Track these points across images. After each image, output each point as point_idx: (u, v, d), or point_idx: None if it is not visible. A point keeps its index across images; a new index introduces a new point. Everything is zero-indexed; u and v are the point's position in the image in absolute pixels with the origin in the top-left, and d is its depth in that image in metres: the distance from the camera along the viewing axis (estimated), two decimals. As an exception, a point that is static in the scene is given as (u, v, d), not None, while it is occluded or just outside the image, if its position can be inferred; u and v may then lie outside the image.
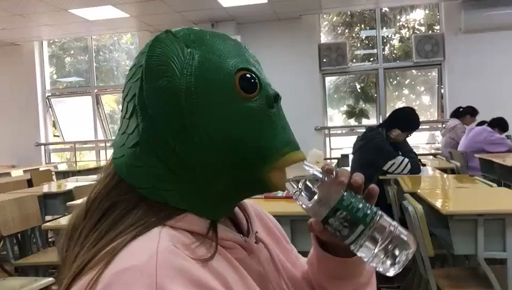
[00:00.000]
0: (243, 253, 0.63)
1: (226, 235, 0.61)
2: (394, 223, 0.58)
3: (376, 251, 0.56)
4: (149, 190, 0.59)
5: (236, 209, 0.72)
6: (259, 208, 0.81)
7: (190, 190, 0.59)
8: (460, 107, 5.84)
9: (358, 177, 0.59)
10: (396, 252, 0.56)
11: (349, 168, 4.12)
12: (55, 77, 9.09)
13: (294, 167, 0.61)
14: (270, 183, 0.61)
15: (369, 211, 0.57)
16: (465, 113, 5.73)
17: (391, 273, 0.56)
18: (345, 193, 0.58)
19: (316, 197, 0.59)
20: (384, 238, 0.56)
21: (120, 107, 0.65)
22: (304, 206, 0.60)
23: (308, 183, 0.59)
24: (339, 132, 8.00)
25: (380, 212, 0.58)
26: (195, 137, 0.57)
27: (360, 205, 0.57)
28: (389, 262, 0.56)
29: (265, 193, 0.67)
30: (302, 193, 0.60)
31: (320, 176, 0.60)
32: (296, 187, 0.60)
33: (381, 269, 0.57)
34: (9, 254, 3.14)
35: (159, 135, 0.58)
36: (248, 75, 0.61)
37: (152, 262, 0.49)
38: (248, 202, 0.77)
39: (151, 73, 0.58)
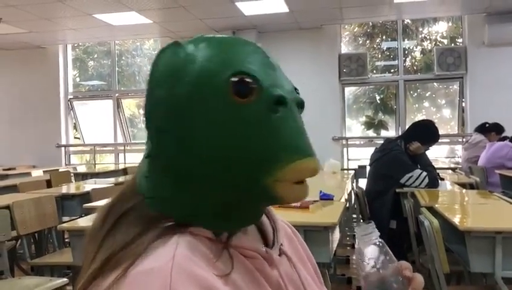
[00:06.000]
0: (264, 263, 0.62)
1: (247, 244, 0.61)
2: None
3: None
4: (153, 199, 0.60)
5: (265, 219, 0.71)
6: (292, 230, 0.79)
7: (194, 201, 0.59)
8: (486, 123, 5.70)
9: None
10: None
11: (365, 180, 4.09)
12: (78, 80, 9.25)
13: (366, 239, 0.63)
14: (277, 195, 0.57)
15: None
16: (491, 130, 5.57)
17: None
18: None
19: None
20: None
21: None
22: None
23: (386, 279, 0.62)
24: (357, 142, 7.94)
25: None
26: (194, 147, 0.56)
27: None
28: None
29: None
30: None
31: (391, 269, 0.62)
32: (367, 270, 0.63)
33: None
34: (26, 253, 3.18)
35: (162, 145, 0.59)
36: (245, 79, 0.56)
37: (168, 267, 0.50)
38: (279, 221, 0.76)
39: (153, 84, 0.59)
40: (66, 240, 4.07)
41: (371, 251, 0.64)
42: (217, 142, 0.55)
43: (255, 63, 0.59)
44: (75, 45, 8.89)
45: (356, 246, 0.66)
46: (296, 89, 0.63)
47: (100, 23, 6.78)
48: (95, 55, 9.42)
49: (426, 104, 8.65)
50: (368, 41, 8.51)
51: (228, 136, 0.55)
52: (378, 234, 0.66)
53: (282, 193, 0.57)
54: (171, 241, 0.55)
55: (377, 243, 0.65)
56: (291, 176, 0.56)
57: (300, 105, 0.61)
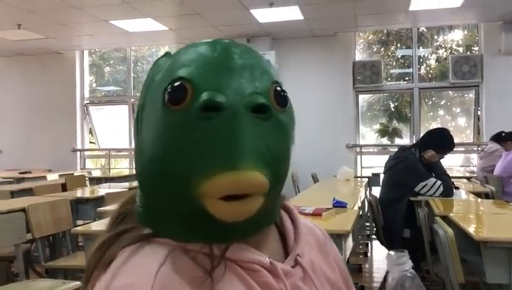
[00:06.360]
0: (268, 276, 0.57)
1: (246, 257, 0.57)
2: None
3: None
4: (136, 206, 0.62)
5: (289, 227, 0.67)
6: (324, 235, 0.76)
7: (150, 209, 0.59)
8: (502, 132, 5.62)
9: None
10: None
11: (379, 188, 4.06)
12: (94, 85, 9.36)
13: (398, 269, 0.63)
14: (209, 211, 0.52)
15: None
16: (507, 139, 5.49)
17: None
18: None
19: None
20: None
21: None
22: None
23: None
24: (371, 150, 7.89)
25: None
26: (139, 154, 0.58)
27: None
28: None
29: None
30: None
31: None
32: None
33: None
34: (41, 256, 3.22)
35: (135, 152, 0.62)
36: (182, 85, 0.52)
37: (148, 285, 0.50)
38: (310, 226, 0.73)
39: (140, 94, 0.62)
40: (80, 243, 4.11)
41: (402, 282, 0.62)
42: (151, 151, 0.55)
43: (201, 68, 0.54)
44: (92, 50, 9.01)
45: (388, 276, 0.64)
46: (282, 91, 0.57)
47: (116, 30, 6.86)
48: (111, 61, 9.54)
49: (441, 112, 8.58)
50: (382, 49, 8.48)
51: (160, 145, 0.54)
52: (411, 264, 0.64)
53: (211, 209, 0.52)
54: (159, 255, 0.54)
55: (409, 274, 0.63)
56: (214, 192, 0.50)
57: (261, 109, 0.52)
